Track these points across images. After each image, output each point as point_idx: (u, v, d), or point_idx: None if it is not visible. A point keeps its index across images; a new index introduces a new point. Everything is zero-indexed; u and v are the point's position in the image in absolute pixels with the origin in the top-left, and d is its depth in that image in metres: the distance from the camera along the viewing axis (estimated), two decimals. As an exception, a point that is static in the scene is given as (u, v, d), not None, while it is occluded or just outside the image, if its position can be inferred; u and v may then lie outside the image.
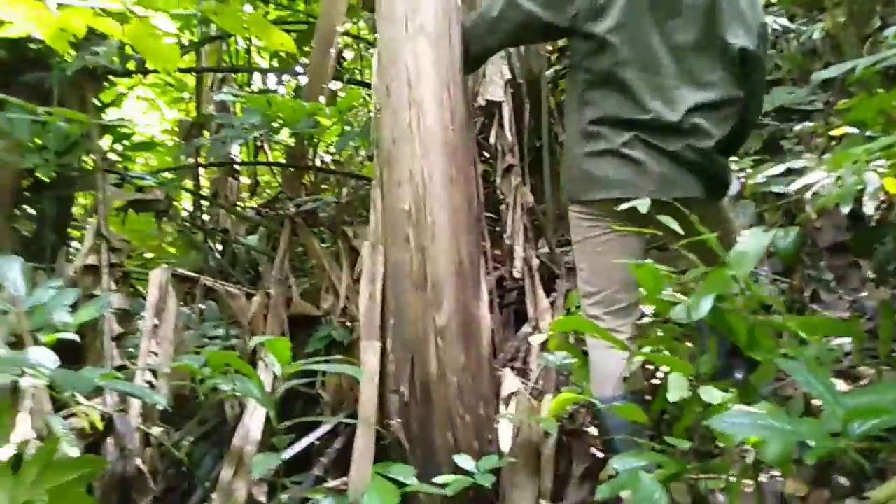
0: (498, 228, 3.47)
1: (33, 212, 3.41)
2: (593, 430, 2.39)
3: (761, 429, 1.11)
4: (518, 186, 3.30)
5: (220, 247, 4.16)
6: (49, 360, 1.62)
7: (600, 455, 2.28)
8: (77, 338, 1.92)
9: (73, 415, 1.96)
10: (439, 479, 2.01)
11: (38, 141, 2.61)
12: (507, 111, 3.37)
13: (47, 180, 3.07)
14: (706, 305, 1.41)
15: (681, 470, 1.60)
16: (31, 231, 3.39)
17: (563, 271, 3.37)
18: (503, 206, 3.33)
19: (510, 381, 2.35)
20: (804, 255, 3.13)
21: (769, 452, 1.24)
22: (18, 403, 1.77)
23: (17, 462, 1.64)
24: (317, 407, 2.64)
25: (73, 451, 1.74)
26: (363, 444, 2.09)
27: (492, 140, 3.43)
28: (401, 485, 1.97)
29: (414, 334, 2.22)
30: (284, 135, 3.50)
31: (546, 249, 3.55)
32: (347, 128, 3.14)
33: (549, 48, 5.63)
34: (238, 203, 4.43)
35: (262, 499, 2.00)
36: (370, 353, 2.25)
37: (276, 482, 1.99)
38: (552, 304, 3.15)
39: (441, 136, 2.35)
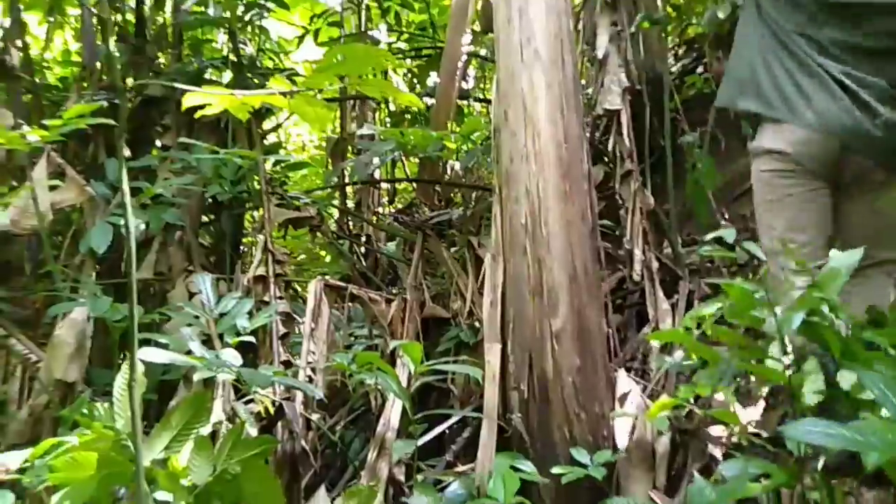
0: (619, 232, 3.58)
1: (211, 227, 4.04)
2: (711, 430, 2.48)
3: (830, 437, 1.22)
4: (637, 191, 3.39)
5: (363, 250, 4.63)
6: (236, 359, 2.05)
7: (716, 454, 2.37)
8: (253, 339, 2.36)
9: (250, 401, 2.40)
10: (555, 470, 2.21)
11: (218, 172, 3.15)
12: (624, 118, 3.46)
13: (223, 201, 3.65)
14: (797, 321, 1.51)
15: (790, 478, 1.69)
16: (211, 243, 4.02)
17: (685, 273, 3.41)
18: (623, 210, 3.43)
19: (624, 382, 2.50)
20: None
21: (868, 461, 1.33)
22: (212, 392, 2.23)
23: (212, 438, 2.08)
24: (449, 399, 2.95)
25: (253, 432, 2.18)
26: (487, 436, 2.35)
27: (611, 147, 3.54)
28: (521, 472, 2.20)
29: (531, 337, 2.44)
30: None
31: (669, 250, 3.60)
32: (471, 143, 3.41)
33: (677, 41, 5.56)
34: (378, 211, 4.88)
35: (401, 478, 2.32)
36: (492, 355, 2.50)
37: (413, 464, 2.31)
38: (673, 305, 3.22)
39: (555, 154, 2.55)
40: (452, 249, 3.63)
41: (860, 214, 2.08)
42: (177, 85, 1.54)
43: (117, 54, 3.32)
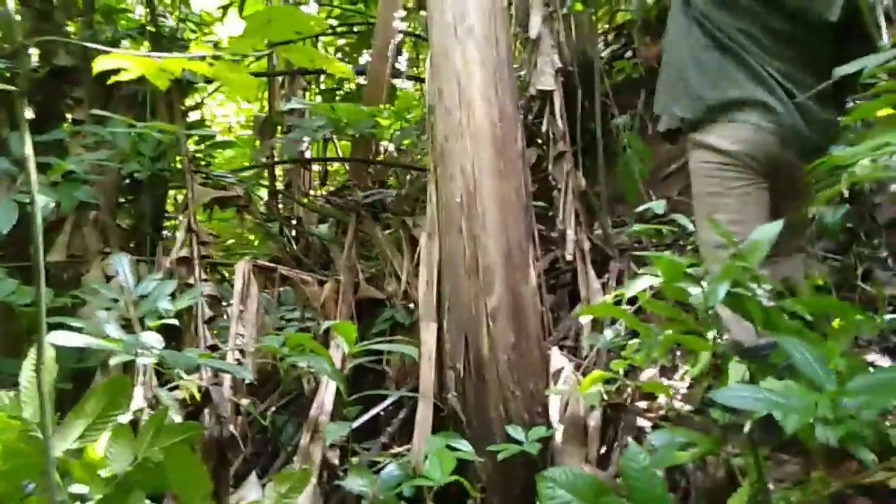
0: (551, 213, 3.61)
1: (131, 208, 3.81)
2: (639, 404, 2.55)
3: (757, 401, 1.25)
4: (570, 172, 3.43)
5: (294, 233, 4.50)
6: (157, 342, 1.94)
7: (645, 426, 2.44)
8: (177, 322, 2.24)
9: (175, 388, 2.28)
10: (492, 448, 2.22)
11: (136, 148, 2.96)
12: (557, 99, 3.49)
13: (143, 180, 3.45)
14: (722, 292, 1.55)
15: (715, 447, 1.74)
16: (130, 225, 3.81)
17: (615, 253, 3.48)
18: (555, 192, 3.47)
19: (557, 359, 2.53)
20: (861, 232, 3.12)
21: (787, 424, 1.38)
22: (132, 378, 2.10)
23: (133, 426, 1.96)
24: (384, 382, 2.91)
25: (177, 418, 2.07)
26: (423, 415, 2.33)
27: (544, 128, 3.56)
28: (457, 451, 2.19)
29: (467, 316, 2.43)
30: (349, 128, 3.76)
31: (599, 231, 3.66)
32: (405, 122, 3.35)
33: (607, 27, 5.66)
34: (309, 193, 4.75)
35: (336, 462, 2.27)
36: (428, 334, 2.48)
37: (348, 447, 2.27)
38: (604, 285, 3.28)
39: (489, 133, 2.53)
40: (387, 231, 3.57)
41: (793, 208, 2.13)
42: (90, 45, 1.42)
43: (17, 18, 3.07)
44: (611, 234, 3.60)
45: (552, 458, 2.34)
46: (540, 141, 3.84)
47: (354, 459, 2.24)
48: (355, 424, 2.32)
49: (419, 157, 4.19)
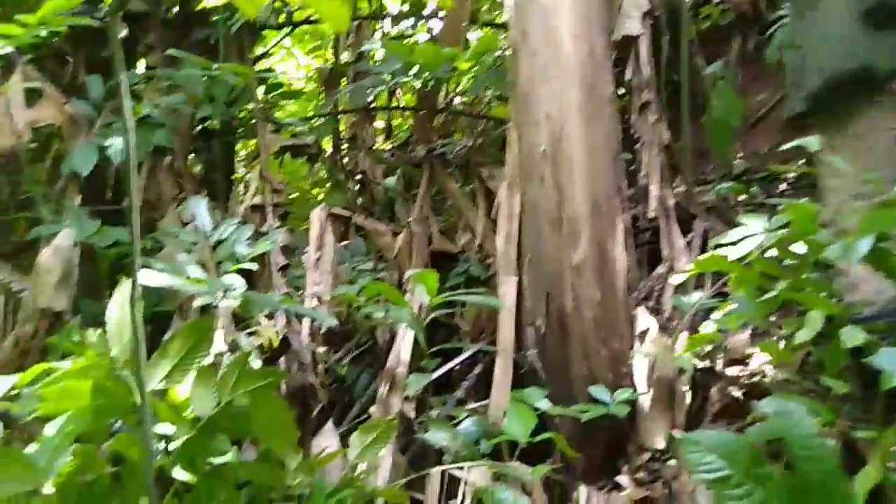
0: (632, 167, 3.42)
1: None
2: (729, 371, 2.39)
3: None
4: (655, 124, 3.22)
5: (358, 186, 4.43)
6: (240, 284, 1.89)
7: (736, 394, 2.29)
8: (255, 267, 2.20)
9: (252, 334, 2.26)
10: (576, 408, 2.12)
11: (209, 93, 2.91)
12: (644, 45, 3.26)
13: (214, 128, 3.42)
14: (864, 246, 1.38)
15: (834, 417, 1.59)
16: (201, 172, 3.80)
17: (700, 211, 3.27)
18: (638, 145, 3.27)
19: (644, 319, 2.39)
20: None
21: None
22: (213, 322, 2.07)
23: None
24: (455, 337, 2.83)
25: (257, 364, 2.04)
26: (502, 371, 2.24)
27: (627, 76, 3.34)
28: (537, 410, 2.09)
29: (550, 271, 2.31)
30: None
31: (682, 188, 3.45)
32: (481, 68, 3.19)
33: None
34: (372, 148, 4.65)
35: (412, 415, 2.21)
36: (508, 288, 2.37)
37: (425, 400, 2.20)
38: (688, 244, 3.09)
39: (578, 72, 2.36)
40: (458, 185, 3.45)
41: None
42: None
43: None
44: (694, 191, 3.39)
45: (638, 422, 2.23)
46: (622, 91, 3.62)
47: (432, 413, 2.18)
48: (433, 376, 2.25)
49: (486, 108, 4.02)
